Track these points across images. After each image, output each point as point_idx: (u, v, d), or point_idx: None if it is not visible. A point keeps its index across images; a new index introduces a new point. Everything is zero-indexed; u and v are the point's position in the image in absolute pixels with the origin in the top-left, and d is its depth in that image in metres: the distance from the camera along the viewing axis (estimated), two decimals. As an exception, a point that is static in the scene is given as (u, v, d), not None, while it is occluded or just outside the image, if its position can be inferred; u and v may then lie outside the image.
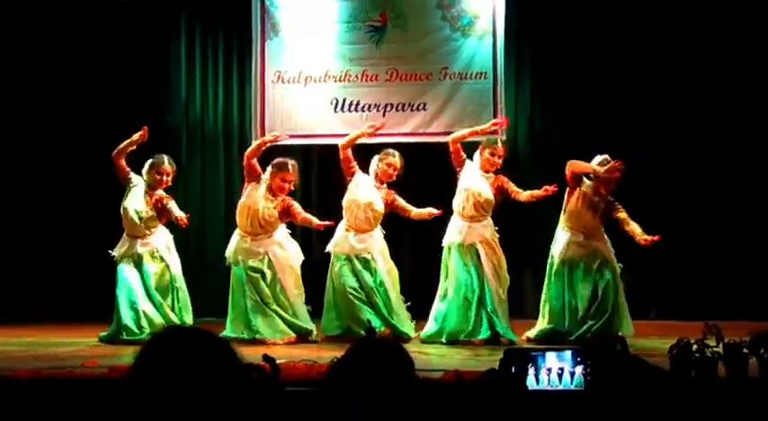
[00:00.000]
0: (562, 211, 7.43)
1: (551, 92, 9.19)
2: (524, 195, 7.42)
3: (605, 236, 7.37)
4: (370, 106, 9.15)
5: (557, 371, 3.95)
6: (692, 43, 8.92)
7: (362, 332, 7.14)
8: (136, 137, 7.54)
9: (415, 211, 7.67)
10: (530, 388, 3.89)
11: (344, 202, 7.61)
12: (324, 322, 7.59)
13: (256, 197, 7.50)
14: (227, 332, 7.37)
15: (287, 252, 7.59)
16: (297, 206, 7.63)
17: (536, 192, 7.32)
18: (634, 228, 7.17)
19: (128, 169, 7.62)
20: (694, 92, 8.92)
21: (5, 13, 9.31)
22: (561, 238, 7.36)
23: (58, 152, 9.24)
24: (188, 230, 7.75)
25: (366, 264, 7.50)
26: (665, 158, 8.83)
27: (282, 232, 7.65)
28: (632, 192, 7.51)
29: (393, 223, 7.87)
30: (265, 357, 3.33)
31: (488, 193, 7.43)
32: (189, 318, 7.63)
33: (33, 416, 4.61)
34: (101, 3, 9.32)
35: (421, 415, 2.10)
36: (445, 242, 7.49)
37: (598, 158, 7.31)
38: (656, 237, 7.03)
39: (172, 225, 7.75)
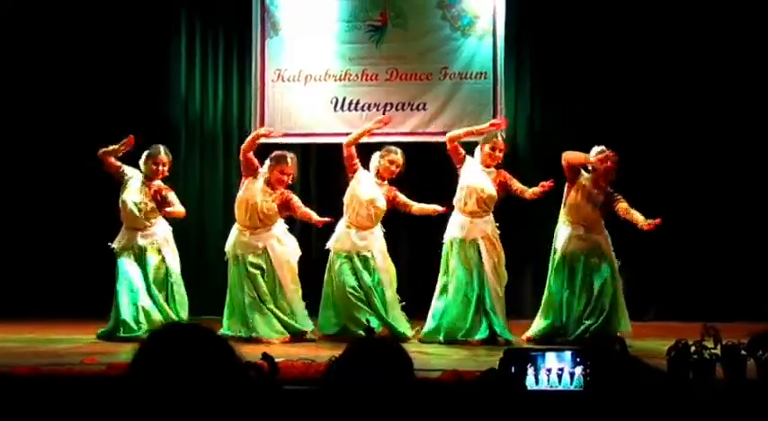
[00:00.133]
0: (562, 205, 7.42)
1: (551, 92, 9.18)
2: (528, 193, 7.40)
3: (605, 231, 7.37)
4: (369, 105, 9.14)
5: (556, 372, 3.95)
6: (692, 43, 8.92)
7: (360, 331, 7.15)
8: (122, 145, 7.55)
9: (417, 206, 7.66)
10: (529, 388, 3.89)
11: (346, 199, 7.60)
12: (321, 320, 7.59)
13: (254, 190, 7.49)
14: (225, 330, 7.36)
15: (285, 247, 7.58)
16: (296, 199, 7.62)
17: (537, 190, 7.31)
18: (635, 215, 7.16)
19: (117, 164, 7.64)
20: (694, 92, 8.92)
21: (5, 11, 9.29)
22: (563, 233, 7.35)
23: (57, 148, 9.23)
24: (187, 229, 7.77)
25: (365, 262, 7.50)
26: (664, 158, 8.83)
27: (281, 227, 7.64)
28: (632, 192, 7.49)
29: (391, 221, 7.86)
30: (264, 356, 3.33)
31: (491, 189, 7.43)
32: (184, 314, 7.62)
33: (32, 412, 4.60)
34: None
35: (420, 415, 2.10)
36: (446, 237, 7.48)
37: (596, 149, 7.33)
38: (657, 221, 7.02)
39: (171, 219, 7.79)
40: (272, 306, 7.43)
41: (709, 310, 7.64)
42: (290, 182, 7.60)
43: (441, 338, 7.31)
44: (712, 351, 4.97)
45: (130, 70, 9.31)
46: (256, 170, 7.54)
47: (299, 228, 8.28)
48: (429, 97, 9.12)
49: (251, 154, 7.55)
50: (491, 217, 7.48)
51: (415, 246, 8.86)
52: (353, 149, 7.58)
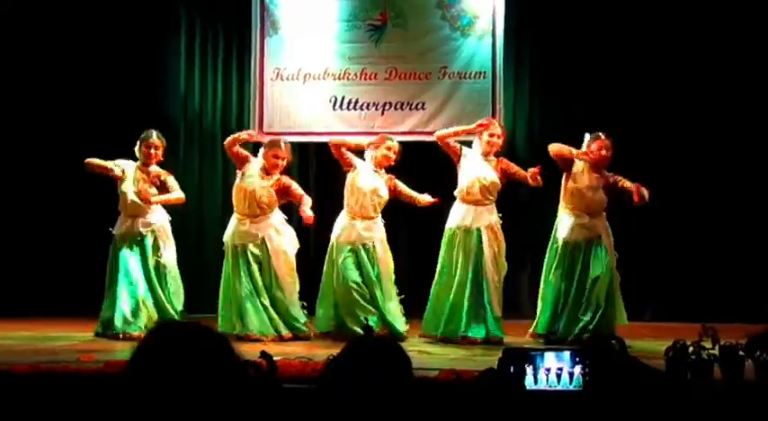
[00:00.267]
0: (561, 195, 7.41)
1: (551, 92, 9.18)
2: (529, 180, 7.29)
3: (607, 222, 7.35)
4: (368, 105, 9.15)
5: (555, 372, 3.95)
6: (692, 43, 8.92)
7: (356, 328, 7.15)
8: (110, 166, 7.63)
9: (419, 198, 7.64)
10: (528, 388, 3.89)
11: (346, 192, 7.57)
12: (318, 315, 7.56)
13: (251, 178, 7.50)
14: (219, 328, 7.33)
15: (282, 237, 7.58)
16: (296, 186, 7.64)
17: (533, 171, 7.25)
18: (626, 183, 7.19)
19: (105, 164, 7.68)
20: (694, 92, 8.92)
21: (5, 11, 9.29)
22: (565, 222, 7.31)
23: (56, 147, 9.22)
24: (185, 227, 7.75)
25: (369, 254, 7.46)
26: (664, 158, 8.82)
27: (279, 217, 7.64)
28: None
29: (390, 211, 7.83)
30: (263, 354, 3.33)
31: (494, 176, 7.43)
32: (179, 306, 7.64)
33: (31, 410, 4.60)
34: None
35: (418, 414, 2.10)
36: (448, 225, 7.47)
37: (588, 136, 7.35)
38: (645, 191, 7.04)
39: (169, 208, 7.80)
40: (265, 301, 7.43)
41: (708, 311, 7.62)
42: (284, 165, 7.58)
43: (440, 330, 7.29)
44: (710, 351, 4.96)
45: (129, 68, 9.30)
46: (247, 158, 7.58)
47: (296, 219, 8.14)
48: (428, 97, 9.12)
49: (236, 147, 7.57)
50: (494, 206, 7.47)
51: (413, 237, 8.87)
52: (344, 149, 7.58)
